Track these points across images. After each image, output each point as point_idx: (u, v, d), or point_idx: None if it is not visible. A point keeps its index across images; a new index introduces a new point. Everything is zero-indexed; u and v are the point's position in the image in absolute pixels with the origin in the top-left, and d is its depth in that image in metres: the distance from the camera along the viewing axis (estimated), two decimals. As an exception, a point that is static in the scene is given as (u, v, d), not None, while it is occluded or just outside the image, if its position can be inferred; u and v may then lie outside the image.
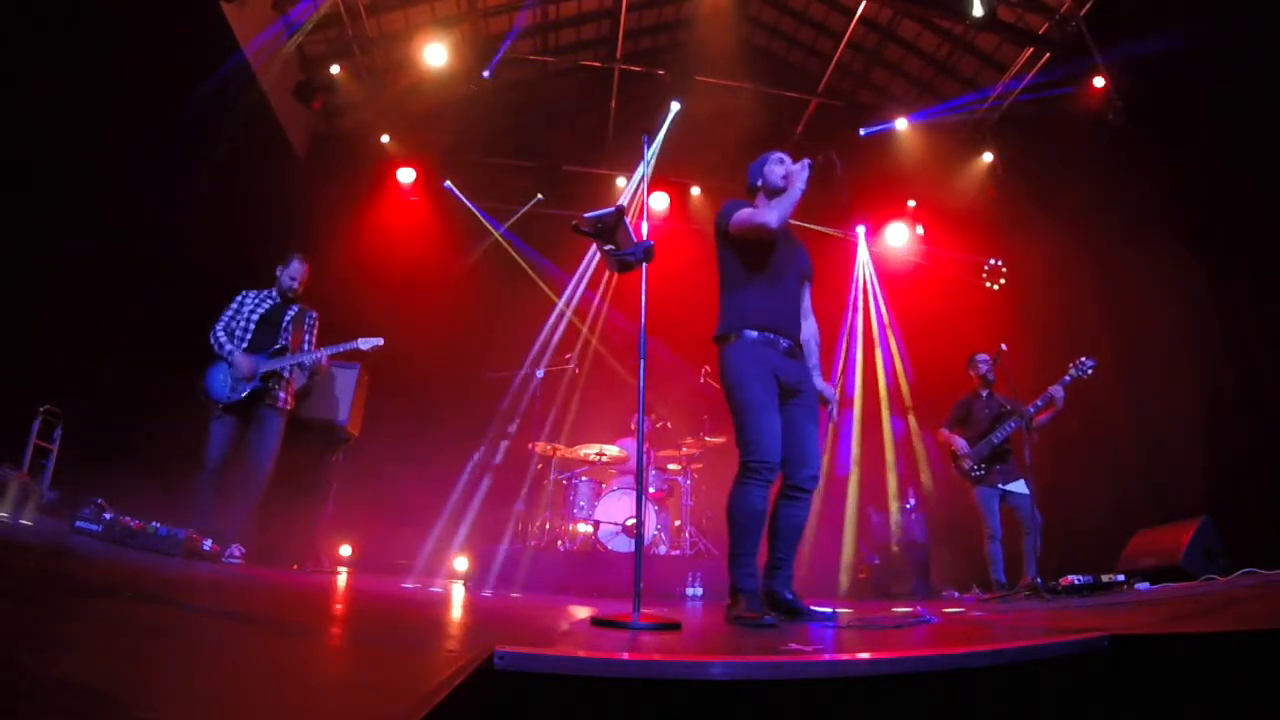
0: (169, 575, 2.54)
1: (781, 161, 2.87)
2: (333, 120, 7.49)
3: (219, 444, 3.96)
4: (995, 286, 6.81)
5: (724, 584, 2.53)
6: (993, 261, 6.92)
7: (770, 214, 2.66)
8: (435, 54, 6.54)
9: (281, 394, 4.12)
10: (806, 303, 2.94)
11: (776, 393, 2.62)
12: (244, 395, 3.98)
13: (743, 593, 2.46)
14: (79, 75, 4.00)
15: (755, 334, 2.65)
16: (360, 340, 4.23)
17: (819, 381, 2.84)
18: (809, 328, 2.91)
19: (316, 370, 4.28)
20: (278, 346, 4.14)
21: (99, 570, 2.26)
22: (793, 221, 2.86)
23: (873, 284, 8.02)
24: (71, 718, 0.72)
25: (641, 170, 7.21)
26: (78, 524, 3.11)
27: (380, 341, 4.27)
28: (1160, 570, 3.84)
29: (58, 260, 4.01)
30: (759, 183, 2.89)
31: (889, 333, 7.74)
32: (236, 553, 3.78)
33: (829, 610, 2.46)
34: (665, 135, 7.34)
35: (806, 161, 2.75)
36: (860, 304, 7.97)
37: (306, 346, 4.27)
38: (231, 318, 4.15)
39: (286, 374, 4.13)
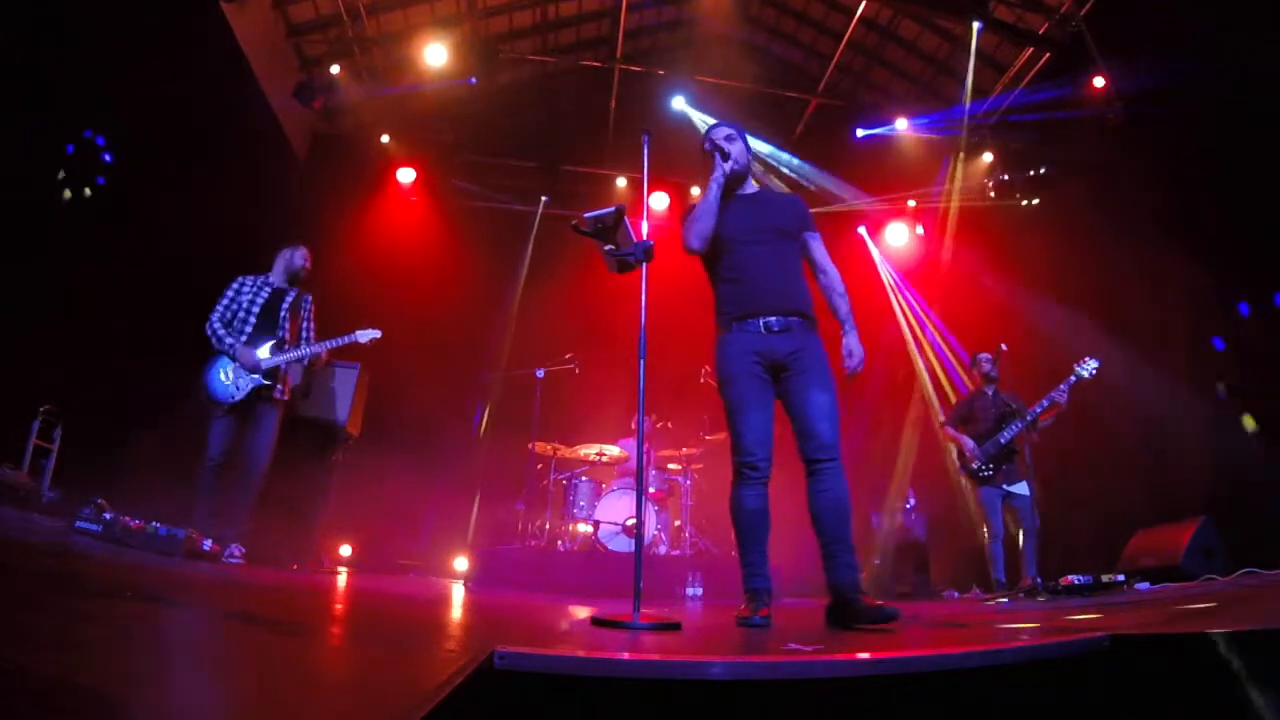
0: (169, 575, 2.54)
1: (731, 138, 2.70)
2: (333, 120, 7.49)
3: (219, 440, 3.92)
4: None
5: (724, 584, 2.49)
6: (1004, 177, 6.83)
7: (687, 234, 2.58)
8: (435, 54, 6.54)
9: (279, 389, 4.08)
10: (817, 255, 2.69)
11: (762, 385, 2.50)
12: (245, 395, 3.95)
13: (745, 593, 2.45)
14: (78, 75, 4.00)
15: (731, 326, 2.56)
16: (358, 333, 4.18)
17: (848, 339, 2.60)
18: (827, 281, 2.69)
19: (314, 362, 4.24)
20: (276, 339, 4.09)
21: (99, 570, 2.26)
22: (762, 183, 2.72)
23: (894, 278, 8.01)
24: (71, 718, 0.72)
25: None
26: (78, 524, 3.11)
27: (378, 334, 4.22)
28: (1160, 570, 3.85)
29: (57, 261, 4.01)
30: (706, 146, 2.74)
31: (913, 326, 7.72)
32: (237, 552, 3.77)
33: (893, 609, 2.19)
34: (666, 135, 7.35)
35: (720, 167, 2.62)
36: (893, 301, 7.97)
37: (305, 333, 4.22)
38: (228, 306, 4.07)
39: (284, 368, 4.10)
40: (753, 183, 2.80)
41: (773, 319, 2.51)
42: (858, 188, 7.84)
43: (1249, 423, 4.24)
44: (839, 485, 2.40)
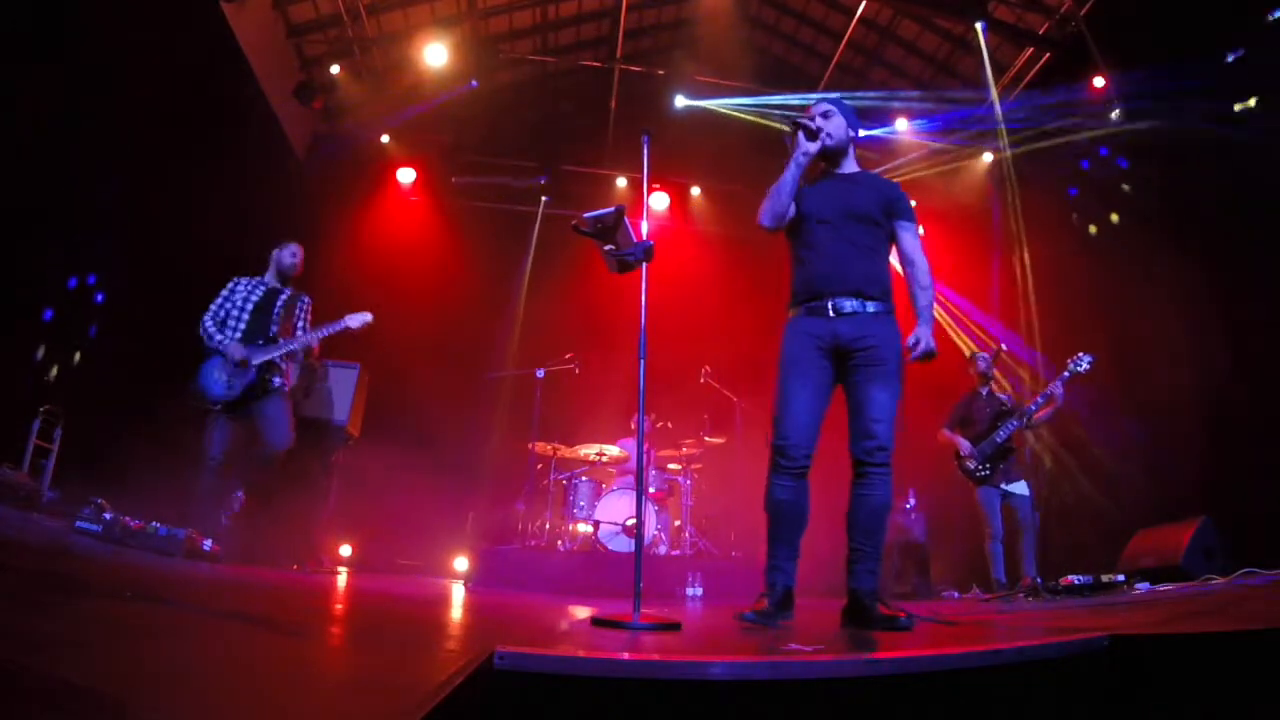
0: (169, 575, 2.54)
1: (827, 113, 2.58)
2: (333, 120, 7.50)
3: (219, 440, 3.87)
4: None
5: (724, 584, 2.43)
6: None
7: (761, 210, 2.48)
8: (435, 54, 6.55)
9: (278, 380, 4.02)
10: (905, 246, 2.52)
11: (818, 372, 2.38)
12: (240, 392, 3.90)
13: (765, 586, 2.33)
14: (79, 75, 4.00)
15: (799, 309, 2.45)
16: (349, 317, 4.09)
17: (921, 329, 2.44)
18: (911, 273, 2.52)
19: (308, 354, 4.18)
20: (268, 337, 4.03)
21: (99, 570, 2.26)
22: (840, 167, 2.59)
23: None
24: (71, 718, 0.72)
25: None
26: (78, 524, 3.11)
27: (369, 317, 4.13)
28: (1160, 570, 3.84)
29: (57, 261, 4.02)
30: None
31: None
32: (238, 495, 3.80)
33: (904, 617, 2.14)
34: (666, 134, 7.36)
35: (804, 146, 2.47)
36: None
37: (299, 331, 4.18)
38: (221, 305, 4.03)
39: (280, 362, 4.04)
40: (854, 163, 2.63)
41: (842, 301, 2.39)
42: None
43: None
44: (886, 493, 2.31)
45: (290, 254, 4.24)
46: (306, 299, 4.30)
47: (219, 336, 3.94)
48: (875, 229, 2.49)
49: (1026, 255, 6.53)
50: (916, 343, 2.42)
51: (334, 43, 6.69)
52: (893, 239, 2.55)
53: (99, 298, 4.56)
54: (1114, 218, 5.67)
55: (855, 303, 2.39)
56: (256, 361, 3.94)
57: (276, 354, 4.01)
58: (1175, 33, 5.01)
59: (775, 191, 2.46)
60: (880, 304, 2.41)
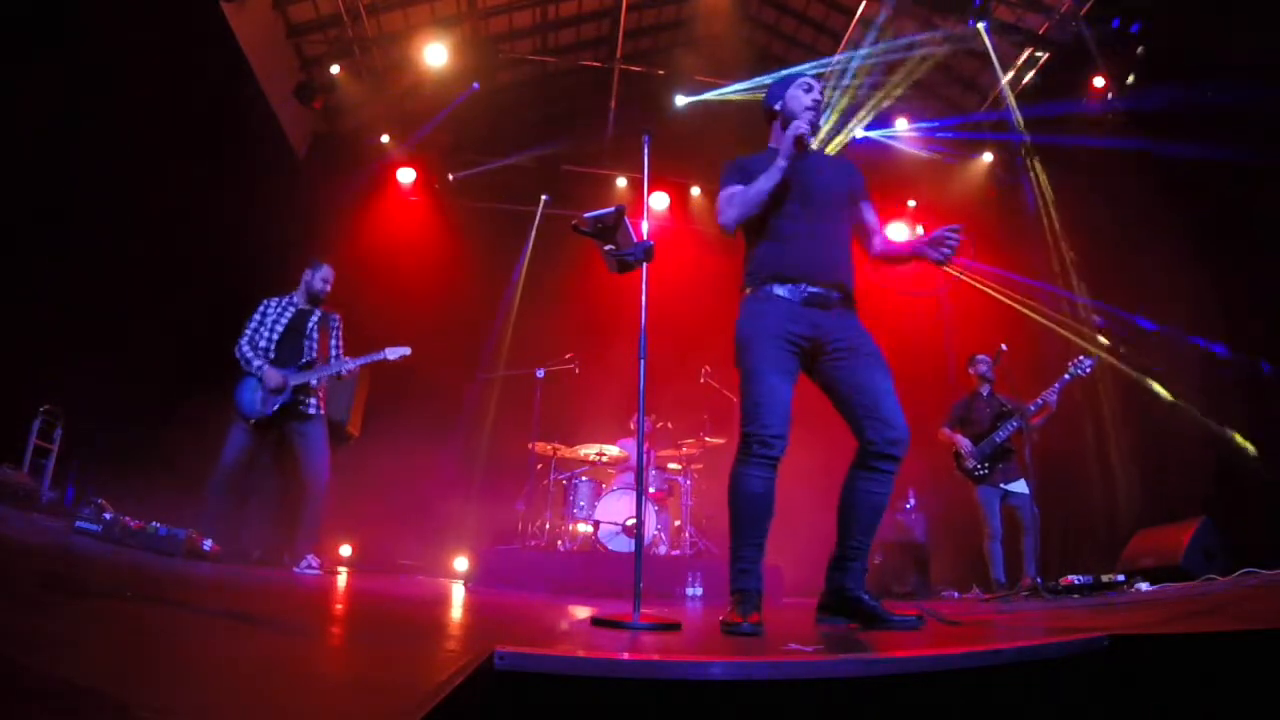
0: (169, 575, 2.54)
1: (809, 89, 2.43)
2: (333, 120, 7.50)
3: (235, 447, 3.87)
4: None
5: (724, 584, 2.32)
6: None
7: (728, 214, 2.33)
8: (435, 54, 6.55)
9: (313, 401, 4.04)
10: (870, 219, 2.47)
11: (790, 354, 2.23)
12: (274, 411, 3.89)
13: (734, 593, 2.14)
14: (80, 76, 4.00)
15: (769, 287, 2.28)
16: (387, 350, 4.11)
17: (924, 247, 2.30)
18: (881, 242, 2.47)
19: (341, 378, 4.20)
20: (305, 360, 4.03)
21: (99, 570, 2.26)
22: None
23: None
24: (71, 718, 0.72)
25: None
26: (78, 524, 3.11)
27: (407, 350, 4.15)
28: (1160, 570, 3.84)
29: (57, 261, 4.01)
30: (776, 106, 2.48)
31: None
32: (314, 563, 3.80)
33: (911, 618, 2.11)
34: (666, 134, 7.36)
35: (795, 126, 2.28)
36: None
37: (334, 351, 4.17)
38: (255, 329, 4.03)
39: (315, 384, 4.04)
40: (812, 140, 2.46)
41: (819, 289, 2.27)
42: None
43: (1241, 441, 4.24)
44: (890, 490, 2.21)
45: (322, 279, 4.22)
46: (337, 318, 4.27)
47: (257, 362, 3.93)
48: (845, 214, 2.44)
49: (1064, 247, 6.48)
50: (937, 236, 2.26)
51: (334, 43, 6.69)
52: (856, 218, 2.49)
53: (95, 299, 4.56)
54: (1112, 216, 5.66)
55: (836, 294, 2.29)
56: (294, 383, 3.94)
57: (312, 378, 4.00)
58: (1175, 32, 5.01)
59: (752, 201, 2.31)
60: (845, 296, 2.33)
